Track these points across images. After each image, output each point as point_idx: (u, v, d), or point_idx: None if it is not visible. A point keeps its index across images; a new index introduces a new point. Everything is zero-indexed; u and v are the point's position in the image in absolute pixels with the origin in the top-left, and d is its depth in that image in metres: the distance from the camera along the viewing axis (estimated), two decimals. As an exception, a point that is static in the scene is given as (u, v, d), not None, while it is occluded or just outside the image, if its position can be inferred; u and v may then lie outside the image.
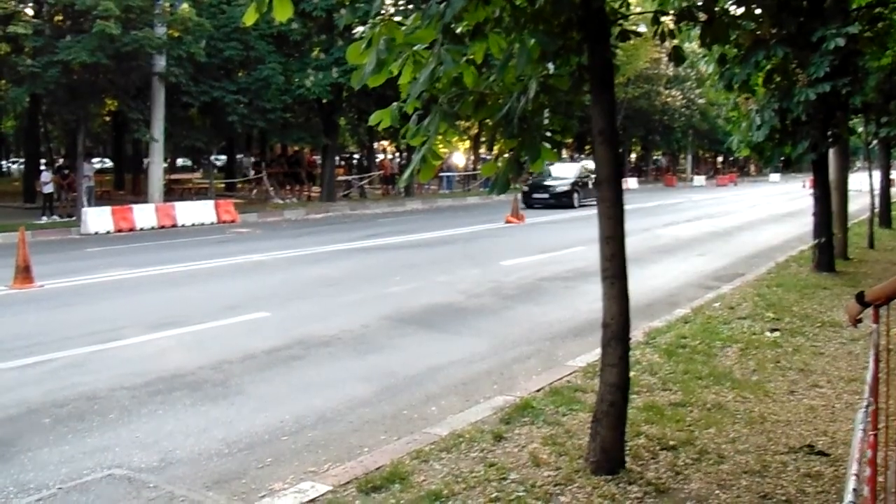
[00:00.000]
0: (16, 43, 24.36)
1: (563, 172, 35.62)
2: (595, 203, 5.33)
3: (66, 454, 5.97)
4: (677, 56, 5.68)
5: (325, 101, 33.89)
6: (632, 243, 6.42)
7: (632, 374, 5.85)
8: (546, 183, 34.76)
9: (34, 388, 7.69)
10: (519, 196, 30.29)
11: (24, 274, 13.42)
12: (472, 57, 4.96)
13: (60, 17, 26.60)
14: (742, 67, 12.61)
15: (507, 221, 26.20)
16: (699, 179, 70.44)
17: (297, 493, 5.05)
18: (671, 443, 5.73)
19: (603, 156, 5.12)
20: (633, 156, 78.98)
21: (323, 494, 4.99)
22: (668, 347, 8.68)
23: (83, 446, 6.13)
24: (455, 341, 9.76)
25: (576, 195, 34.70)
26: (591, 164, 32.92)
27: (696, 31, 5.82)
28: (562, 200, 34.37)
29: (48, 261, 14.88)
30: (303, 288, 13.58)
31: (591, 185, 33.09)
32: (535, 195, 34.87)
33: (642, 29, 14.14)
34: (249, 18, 4.51)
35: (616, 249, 5.11)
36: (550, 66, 5.14)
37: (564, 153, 55.10)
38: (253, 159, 43.30)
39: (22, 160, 37.58)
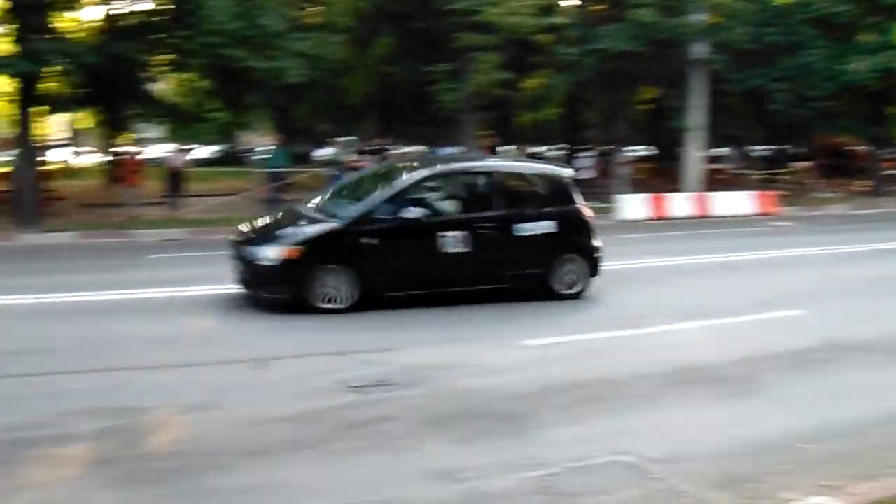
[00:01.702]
0: (557, 33, 26.10)
1: None
2: None
3: (576, 435, 6.32)
4: None
5: (873, 88, 31.40)
6: None
7: None
8: None
9: (555, 368, 8.26)
10: None
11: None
12: None
13: (598, 7, 28.01)
14: None
15: None
16: None
17: (809, 508, 4.82)
18: None
19: None
20: None
21: (839, 513, 4.70)
22: None
23: (593, 429, 6.44)
24: None
25: None
26: None
27: None
28: None
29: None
30: (842, 287, 12.82)
31: None
32: None
33: None
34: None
35: None
36: None
37: None
38: (793, 149, 41.73)
39: (561, 147, 40.29)
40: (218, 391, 7.30)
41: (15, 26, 21.44)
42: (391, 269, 10.71)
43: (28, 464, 5.61)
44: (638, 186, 27.79)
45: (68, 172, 28.71)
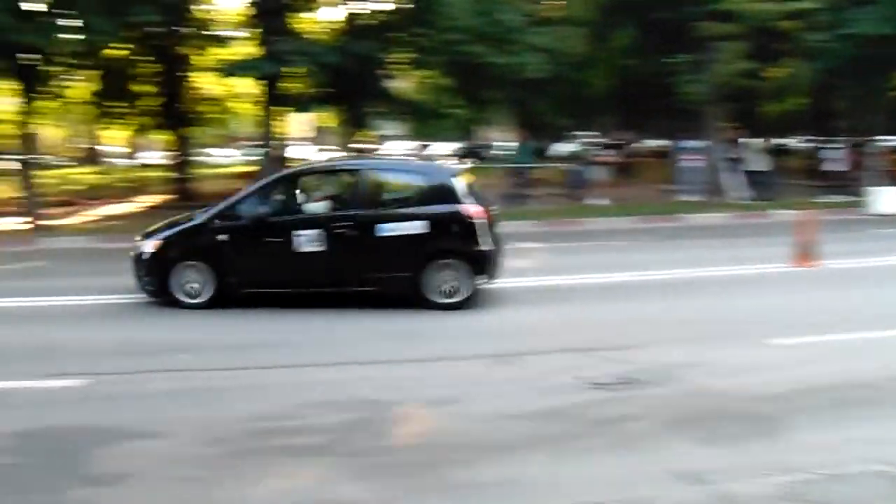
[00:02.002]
0: (804, 18, 24.85)
1: None
2: None
3: (827, 440, 6.10)
4: None
5: None
6: None
7: None
8: None
9: (810, 368, 7.98)
10: None
11: (807, 251, 13.75)
12: None
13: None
14: None
15: None
16: None
17: None
18: None
19: None
20: None
21: None
22: None
23: (848, 435, 6.19)
24: None
25: None
26: None
27: None
28: None
29: (829, 240, 15.14)
30: None
31: None
32: None
33: None
34: None
35: None
36: None
37: None
38: None
39: (809, 138, 38.39)
40: (458, 386, 7.53)
41: (259, 30, 22.93)
42: (244, 266, 10.89)
43: (273, 453, 5.94)
44: (894, 179, 26.09)
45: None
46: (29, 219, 21.60)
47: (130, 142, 50.07)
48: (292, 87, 24.50)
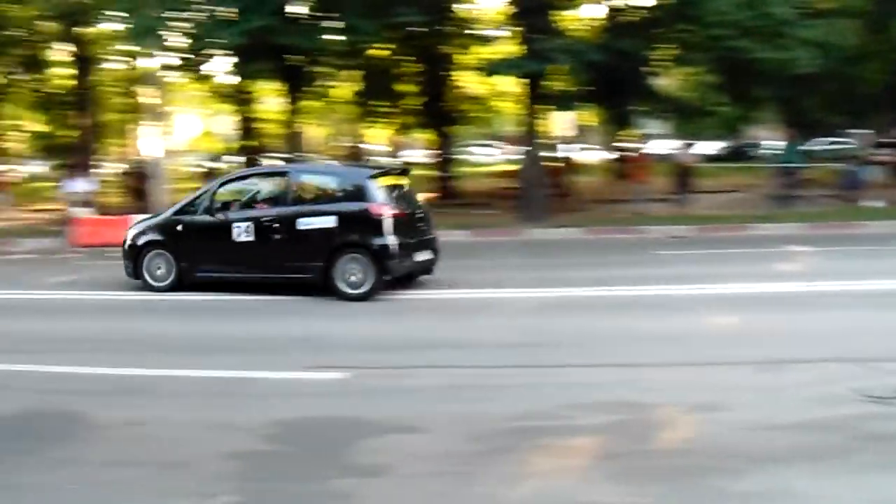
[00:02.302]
0: None
1: None
2: None
3: None
4: None
5: None
6: None
7: None
8: None
9: None
10: None
11: None
12: None
13: None
14: None
15: None
16: None
17: None
18: None
19: None
20: None
21: None
22: None
23: None
24: None
25: None
26: None
27: None
28: None
29: None
30: None
31: None
32: None
33: None
34: None
35: None
36: None
37: None
38: None
39: None
40: (725, 392, 7.20)
41: (520, 28, 23.07)
42: (195, 254, 12.55)
43: (534, 452, 5.87)
44: None
45: (574, 169, 30.27)
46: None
47: (391, 140, 51.93)
48: (554, 85, 24.54)
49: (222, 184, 13.51)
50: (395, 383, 7.70)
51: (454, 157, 34.50)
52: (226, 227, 12.36)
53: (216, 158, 49.68)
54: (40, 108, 38.02)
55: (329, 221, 11.85)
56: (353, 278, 11.64)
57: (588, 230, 19.62)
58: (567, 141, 32.91)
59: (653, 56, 24.43)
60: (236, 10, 20.10)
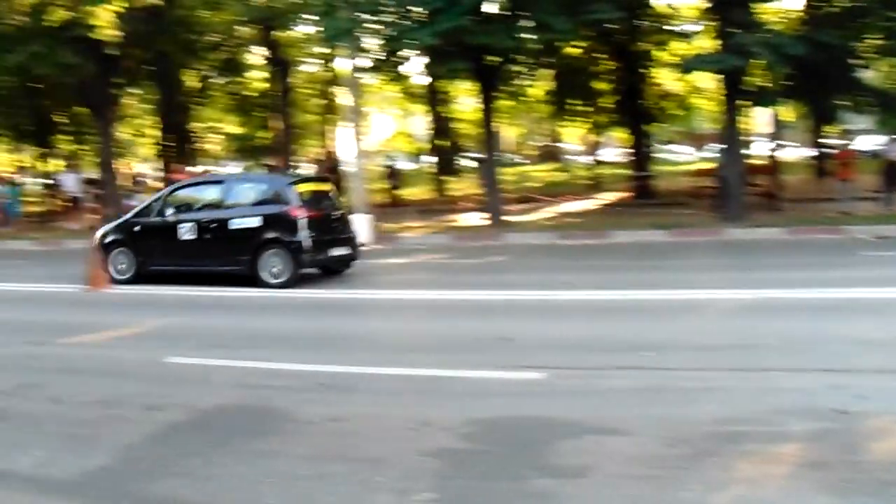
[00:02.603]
0: None
1: None
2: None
3: None
4: None
5: None
6: None
7: None
8: None
9: None
10: None
11: None
12: None
13: None
14: None
15: None
16: None
17: None
18: None
19: None
20: None
21: None
22: None
23: None
24: None
25: None
26: None
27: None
28: None
29: None
30: None
31: None
32: None
33: None
34: None
35: None
36: None
37: None
38: None
39: None
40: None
41: (717, 23, 22.36)
42: (150, 250, 14.75)
43: (739, 458, 5.69)
44: None
45: (774, 167, 29.16)
46: (489, 215, 23.09)
47: (585, 139, 51.69)
48: (754, 80, 23.71)
49: (172, 191, 15.71)
50: (595, 384, 7.62)
51: (650, 155, 33.90)
52: (173, 227, 14.61)
53: (415, 159, 50.64)
54: (237, 110, 40.02)
55: (255, 222, 14.04)
56: (274, 269, 13.80)
57: (789, 230, 18.89)
58: (767, 138, 31.78)
59: (859, 47, 23.17)
60: (428, 12, 20.39)
